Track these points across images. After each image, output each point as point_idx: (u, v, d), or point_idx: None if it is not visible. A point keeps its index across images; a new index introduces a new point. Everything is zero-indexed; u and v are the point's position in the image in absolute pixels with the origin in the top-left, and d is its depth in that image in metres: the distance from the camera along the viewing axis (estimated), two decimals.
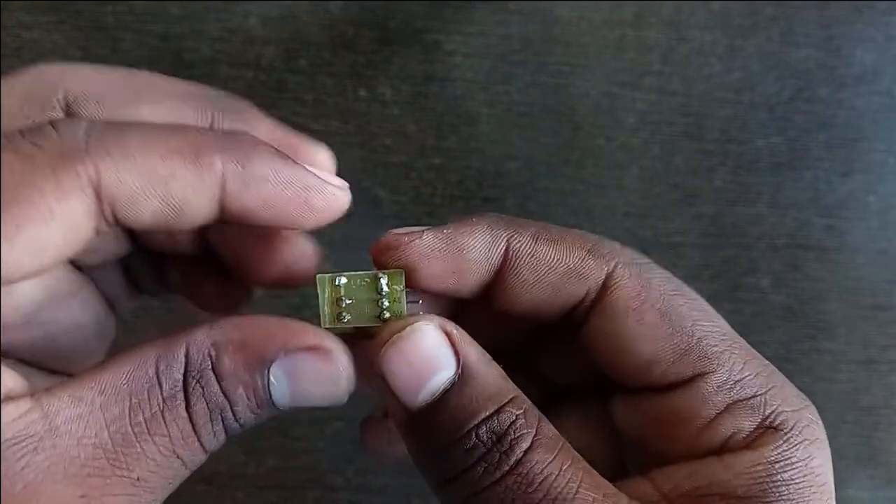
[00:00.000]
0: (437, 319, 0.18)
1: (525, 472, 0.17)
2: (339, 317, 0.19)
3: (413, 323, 0.18)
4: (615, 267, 0.19)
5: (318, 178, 0.18)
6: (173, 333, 0.17)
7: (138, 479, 0.16)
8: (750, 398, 0.18)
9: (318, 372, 0.18)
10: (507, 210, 0.38)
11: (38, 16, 0.36)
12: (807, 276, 0.39)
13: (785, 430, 0.18)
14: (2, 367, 0.16)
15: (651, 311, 0.19)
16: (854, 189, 0.40)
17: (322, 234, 0.21)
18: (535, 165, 0.38)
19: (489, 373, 0.18)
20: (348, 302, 0.19)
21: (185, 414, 0.17)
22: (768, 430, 0.18)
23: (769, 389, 0.19)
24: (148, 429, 0.16)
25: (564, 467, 0.17)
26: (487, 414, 0.17)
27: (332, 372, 0.18)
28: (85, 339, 0.22)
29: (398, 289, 0.19)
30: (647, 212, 0.39)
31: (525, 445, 0.17)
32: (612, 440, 0.21)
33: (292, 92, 0.37)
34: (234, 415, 0.17)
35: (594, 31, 0.38)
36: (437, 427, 0.17)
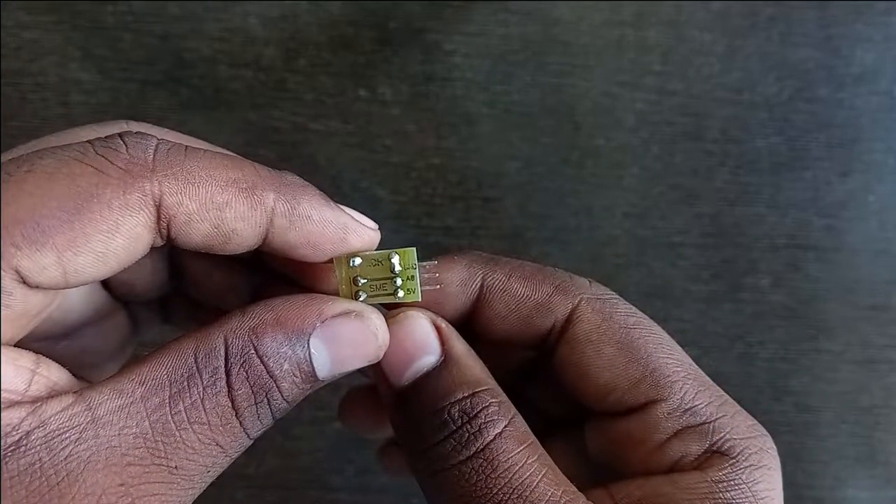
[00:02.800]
0: (429, 314, 0.20)
1: (491, 456, 0.19)
2: (355, 295, 0.20)
3: (407, 311, 0.20)
4: (579, 302, 0.22)
5: (355, 220, 0.20)
6: (209, 324, 0.18)
7: (176, 467, 0.17)
8: (699, 425, 0.20)
9: (354, 333, 0.19)
10: (508, 210, 0.38)
11: (38, 16, 0.36)
12: (807, 276, 0.39)
13: (731, 455, 0.20)
14: (52, 364, 0.17)
15: (609, 342, 0.21)
16: (853, 189, 0.40)
17: None
18: (535, 165, 0.38)
19: (470, 363, 0.20)
20: (363, 281, 0.20)
21: (225, 401, 0.17)
22: (715, 454, 0.20)
23: (719, 418, 0.20)
24: (187, 417, 0.17)
25: (530, 460, 0.19)
26: (462, 395, 0.19)
27: (366, 331, 0.19)
28: (106, 357, 0.23)
29: (411, 267, 0.20)
30: (647, 212, 0.39)
31: (495, 431, 0.19)
32: (585, 462, 0.23)
33: (292, 92, 0.37)
34: (280, 393, 0.18)
35: (594, 31, 0.38)
36: (417, 404, 0.19)
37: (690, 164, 0.39)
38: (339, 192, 0.37)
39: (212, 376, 0.17)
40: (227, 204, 0.18)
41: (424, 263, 0.21)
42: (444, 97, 0.38)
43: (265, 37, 0.37)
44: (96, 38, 0.37)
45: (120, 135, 0.18)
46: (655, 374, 0.21)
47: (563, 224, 0.38)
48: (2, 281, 0.16)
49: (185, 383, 0.17)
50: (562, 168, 0.38)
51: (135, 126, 0.20)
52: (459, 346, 0.20)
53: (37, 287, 0.17)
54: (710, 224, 0.39)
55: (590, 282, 0.22)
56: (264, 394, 0.18)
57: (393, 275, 0.20)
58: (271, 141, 0.37)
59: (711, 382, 0.21)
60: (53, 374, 0.17)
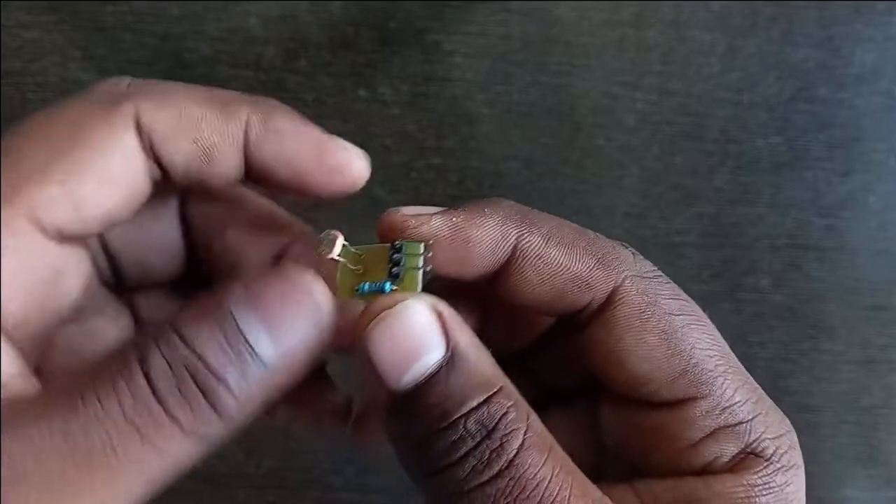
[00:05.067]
0: (429, 298, 0.17)
1: (517, 475, 0.16)
2: (355, 289, 0.18)
3: (402, 300, 0.17)
4: (623, 280, 0.19)
5: (335, 139, 0.20)
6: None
7: (107, 452, 0.15)
8: (737, 424, 0.19)
9: (281, 293, 0.16)
10: None
11: (38, 16, 0.36)
12: (807, 276, 0.39)
13: (766, 457, 0.19)
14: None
15: (653, 330, 0.19)
16: (854, 189, 0.40)
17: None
18: (535, 165, 0.38)
19: (480, 359, 0.17)
20: (362, 273, 0.18)
21: (143, 386, 0.15)
22: (750, 455, 0.19)
23: (755, 417, 0.19)
24: (101, 403, 0.15)
25: (556, 472, 0.16)
26: (477, 403, 0.16)
27: (297, 289, 0.17)
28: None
29: (414, 260, 0.18)
30: (647, 212, 0.39)
31: (517, 443, 0.16)
32: (595, 444, 0.21)
33: (292, 92, 0.37)
34: (213, 374, 0.15)
35: (594, 31, 0.38)
36: (422, 413, 0.16)
37: (690, 164, 0.39)
38: None
39: (123, 361, 0.15)
40: (203, 117, 0.18)
41: (428, 253, 0.18)
42: (444, 97, 0.38)
43: (265, 37, 0.37)
44: (96, 38, 0.37)
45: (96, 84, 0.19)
46: (697, 369, 0.19)
47: None
48: (16, 225, 0.16)
49: (102, 372, 0.15)
50: (562, 168, 0.38)
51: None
52: (465, 336, 0.17)
53: (56, 233, 0.17)
54: (710, 224, 0.39)
55: (633, 254, 0.20)
56: (189, 374, 0.15)
57: (395, 267, 0.18)
58: None
59: (748, 376, 0.20)
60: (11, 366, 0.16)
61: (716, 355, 0.20)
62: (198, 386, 0.15)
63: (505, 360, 0.18)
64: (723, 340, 0.20)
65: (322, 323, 0.17)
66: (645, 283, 0.19)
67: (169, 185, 0.20)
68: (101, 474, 0.15)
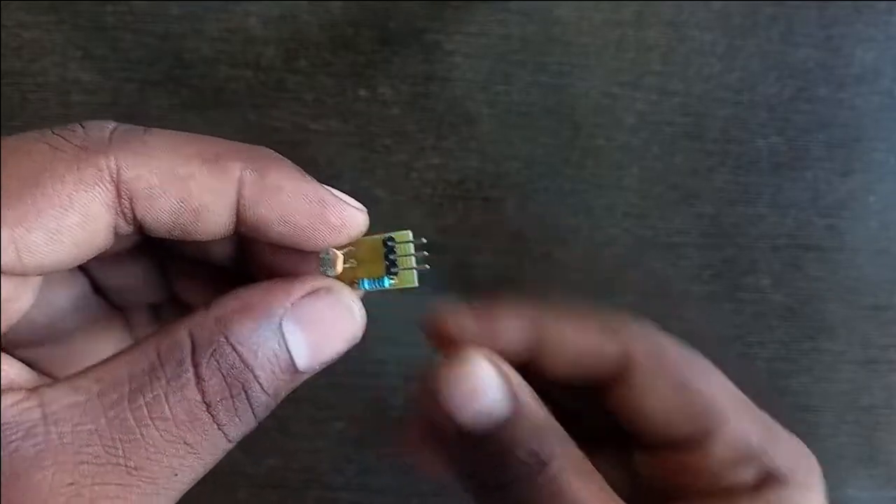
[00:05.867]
0: (491, 355, 0.21)
1: (559, 491, 0.19)
2: (351, 283, 0.19)
3: (470, 355, 0.20)
4: (631, 345, 0.22)
5: (335, 195, 0.19)
6: (173, 322, 0.17)
7: (135, 467, 0.16)
8: (754, 453, 0.22)
9: (327, 310, 0.18)
10: (508, 210, 0.38)
11: (38, 16, 0.36)
12: (807, 276, 0.39)
13: (784, 479, 0.21)
14: (12, 361, 0.16)
15: (664, 383, 0.22)
16: (854, 189, 0.40)
17: None
18: (535, 165, 0.38)
19: (539, 412, 0.20)
20: (356, 266, 0.19)
21: (193, 394, 0.16)
22: (769, 478, 0.21)
23: (772, 443, 0.22)
24: (148, 412, 0.16)
25: (596, 492, 0.19)
26: (532, 443, 0.20)
27: (340, 306, 0.18)
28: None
29: (408, 260, 0.19)
30: (647, 212, 0.38)
31: (563, 470, 0.19)
32: (630, 476, 0.24)
33: (292, 92, 0.37)
34: (259, 384, 0.17)
35: (594, 31, 0.38)
36: (482, 444, 0.20)
37: (690, 164, 0.39)
38: None
39: (176, 368, 0.16)
40: (191, 175, 0.17)
41: (419, 241, 0.19)
42: (444, 97, 0.38)
43: (265, 37, 0.37)
44: (96, 38, 0.37)
45: (80, 124, 0.17)
46: (710, 409, 0.22)
47: (563, 224, 0.38)
48: None
49: (147, 378, 0.16)
50: (562, 168, 0.38)
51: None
52: (529, 399, 0.20)
53: None
54: (710, 224, 0.39)
55: (635, 319, 0.23)
56: (240, 385, 0.16)
57: (391, 254, 0.19)
58: (271, 141, 0.37)
59: (757, 409, 0.23)
60: (13, 371, 0.16)
61: (725, 394, 0.22)
62: (246, 398, 0.17)
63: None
64: (727, 379, 0.23)
65: (355, 339, 0.18)
66: (651, 344, 0.23)
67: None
68: (141, 488, 0.16)
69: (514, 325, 0.22)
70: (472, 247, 0.38)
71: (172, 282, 0.23)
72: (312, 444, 0.37)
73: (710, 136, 0.39)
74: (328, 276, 0.19)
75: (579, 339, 0.23)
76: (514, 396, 0.20)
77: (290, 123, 0.37)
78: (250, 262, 0.21)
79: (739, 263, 0.39)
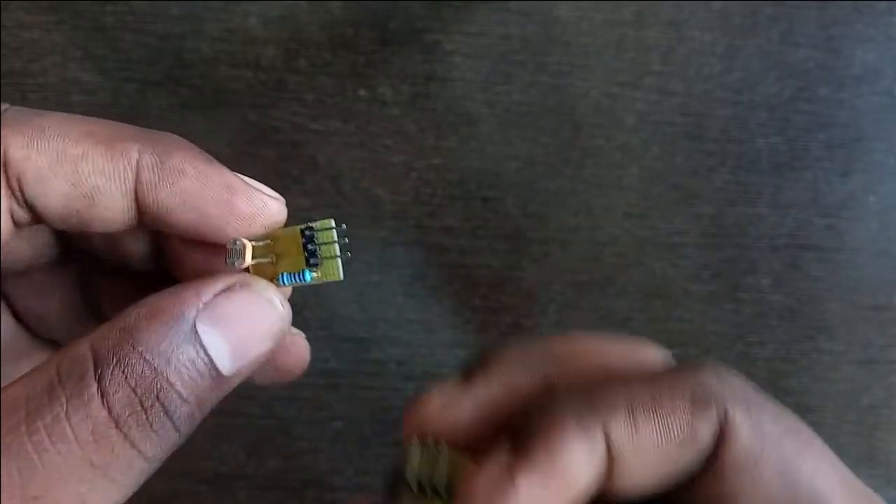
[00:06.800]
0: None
1: None
2: (271, 280, 0.17)
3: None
4: (726, 415, 0.17)
5: (245, 182, 0.17)
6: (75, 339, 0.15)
7: (34, 497, 0.14)
8: None
9: (245, 306, 0.16)
10: (508, 210, 0.38)
11: (38, 16, 0.36)
12: (807, 276, 0.39)
13: None
14: None
15: (767, 467, 0.17)
16: (854, 189, 0.39)
17: None
18: (535, 165, 0.38)
19: None
20: (275, 262, 0.17)
21: (98, 411, 0.14)
22: None
23: None
24: (48, 435, 0.14)
25: None
26: None
27: (258, 300, 0.16)
28: (60, 317, 0.21)
29: (331, 248, 0.17)
30: (647, 212, 0.38)
31: None
32: None
33: (292, 92, 0.37)
34: (177, 392, 0.15)
35: (594, 31, 0.38)
36: None
37: (690, 164, 0.39)
38: (340, 193, 0.37)
39: (77, 384, 0.14)
40: (83, 156, 0.16)
41: (341, 229, 0.17)
42: (444, 97, 0.38)
43: (265, 37, 0.37)
44: (96, 38, 0.37)
45: None
46: (817, 498, 0.17)
47: (563, 224, 0.38)
48: None
49: (45, 398, 0.14)
50: (562, 168, 0.38)
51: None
52: None
53: None
54: (710, 224, 0.39)
55: (717, 370, 0.17)
56: (153, 396, 0.15)
57: (312, 245, 0.17)
58: (271, 141, 0.37)
59: (862, 487, 0.19)
60: None
61: (832, 480, 0.18)
62: (163, 409, 0.15)
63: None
64: (832, 453, 0.19)
65: (281, 335, 0.17)
66: (749, 411, 0.17)
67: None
68: None
69: (580, 463, 0.16)
70: (472, 247, 0.38)
71: (98, 303, 0.21)
72: (312, 445, 0.37)
73: (710, 136, 0.39)
74: (237, 267, 0.17)
75: (665, 430, 0.16)
76: None
77: (290, 123, 0.37)
78: (171, 268, 0.20)
79: (739, 263, 0.39)
